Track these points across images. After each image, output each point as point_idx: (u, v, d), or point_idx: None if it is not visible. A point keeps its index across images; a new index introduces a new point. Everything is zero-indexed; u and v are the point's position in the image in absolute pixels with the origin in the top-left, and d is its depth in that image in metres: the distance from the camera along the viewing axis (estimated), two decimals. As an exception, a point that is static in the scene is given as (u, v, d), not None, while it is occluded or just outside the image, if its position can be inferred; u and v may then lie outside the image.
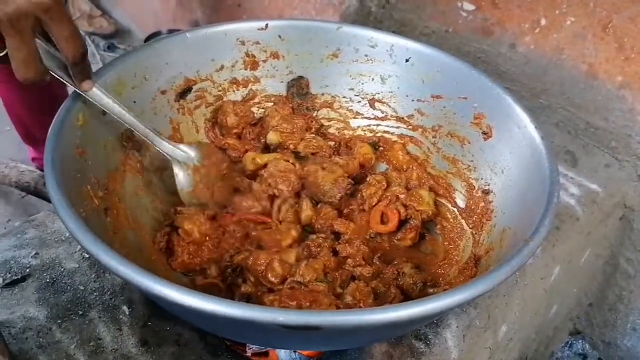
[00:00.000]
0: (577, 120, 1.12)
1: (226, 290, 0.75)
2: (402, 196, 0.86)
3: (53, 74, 0.65)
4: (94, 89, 0.69)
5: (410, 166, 0.94)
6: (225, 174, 0.86)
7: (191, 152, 0.81)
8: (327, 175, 0.86)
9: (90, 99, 0.70)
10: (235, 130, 0.95)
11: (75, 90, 0.70)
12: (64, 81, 0.67)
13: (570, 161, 1.07)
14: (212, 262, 0.77)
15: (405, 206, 0.86)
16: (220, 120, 0.94)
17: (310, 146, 0.94)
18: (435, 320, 0.76)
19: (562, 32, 1.08)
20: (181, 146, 0.81)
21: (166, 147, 0.79)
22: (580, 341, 1.32)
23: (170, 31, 1.58)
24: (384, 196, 0.87)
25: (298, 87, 0.98)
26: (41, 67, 0.62)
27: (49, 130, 0.65)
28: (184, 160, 0.81)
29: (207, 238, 0.79)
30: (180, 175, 0.80)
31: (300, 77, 0.98)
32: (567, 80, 1.11)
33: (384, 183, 0.88)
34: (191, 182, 0.81)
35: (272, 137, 0.93)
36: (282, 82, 0.98)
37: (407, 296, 0.76)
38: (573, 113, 1.12)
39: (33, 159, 1.78)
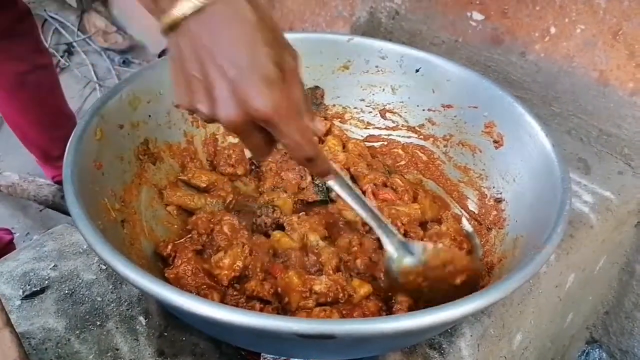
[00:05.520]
0: (589, 127, 1.12)
1: None
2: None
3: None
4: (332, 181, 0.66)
5: (407, 169, 0.96)
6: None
7: (419, 253, 0.71)
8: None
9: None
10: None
11: (92, 106, 0.72)
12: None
13: (583, 168, 1.07)
14: (213, 290, 0.72)
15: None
16: None
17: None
18: (449, 329, 0.76)
19: (572, 40, 1.09)
20: (412, 245, 0.72)
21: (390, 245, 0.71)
22: (597, 350, 1.30)
23: (184, 45, 1.60)
24: None
25: (313, 97, 0.99)
26: (273, 148, 0.57)
27: (68, 144, 0.67)
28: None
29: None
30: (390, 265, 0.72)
31: (316, 87, 0.99)
32: (579, 87, 1.11)
33: None
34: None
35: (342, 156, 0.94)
36: (293, 94, 0.99)
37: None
38: (585, 120, 1.12)
39: (53, 177, 1.78)
